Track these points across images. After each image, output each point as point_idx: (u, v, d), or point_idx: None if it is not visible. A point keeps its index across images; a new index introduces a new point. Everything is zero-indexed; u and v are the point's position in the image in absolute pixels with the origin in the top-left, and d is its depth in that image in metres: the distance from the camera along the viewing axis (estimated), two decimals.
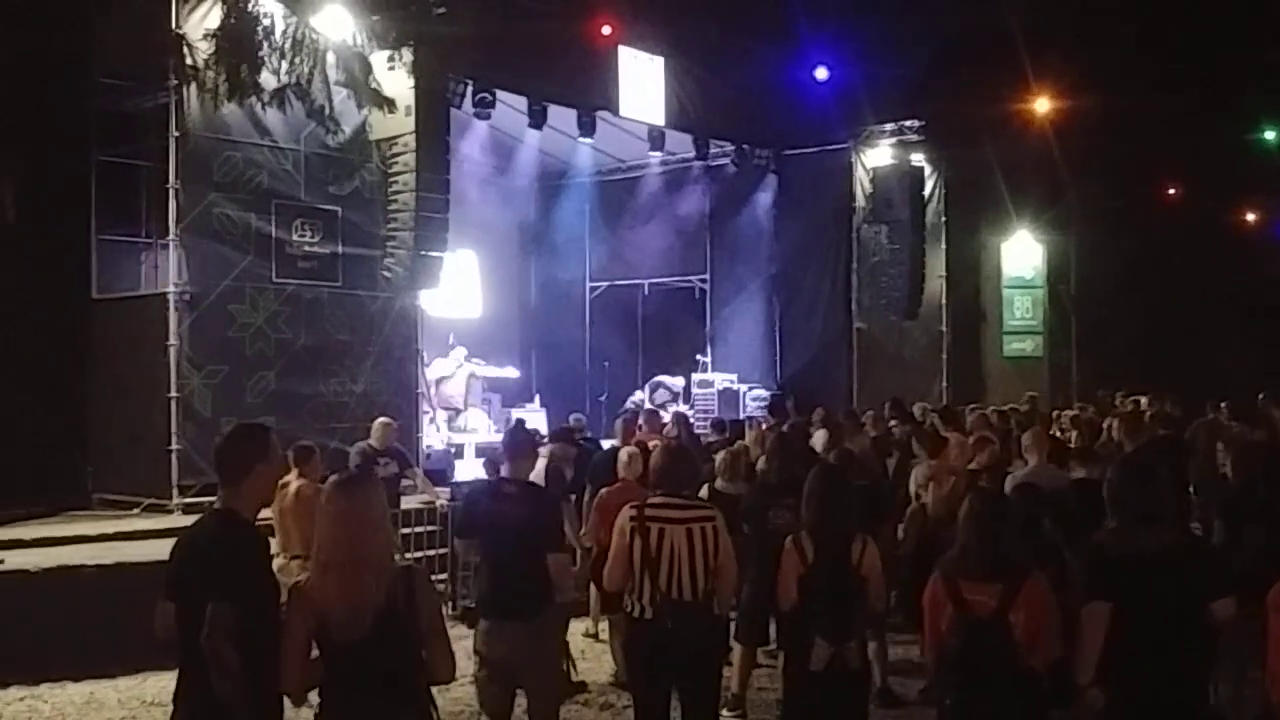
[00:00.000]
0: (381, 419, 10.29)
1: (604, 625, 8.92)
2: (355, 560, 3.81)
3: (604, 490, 7.91)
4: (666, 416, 12.33)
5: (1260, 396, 13.51)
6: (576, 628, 8.27)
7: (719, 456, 8.22)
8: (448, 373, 15.74)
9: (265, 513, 4.31)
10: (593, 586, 8.35)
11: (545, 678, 5.56)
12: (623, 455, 8.15)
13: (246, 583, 3.78)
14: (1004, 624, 4.45)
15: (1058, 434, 11.06)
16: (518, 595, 5.39)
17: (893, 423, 11.42)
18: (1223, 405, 12.83)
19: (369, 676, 3.80)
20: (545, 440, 9.90)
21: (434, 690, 3.98)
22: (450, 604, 9.90)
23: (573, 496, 8.79)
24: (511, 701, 5.60)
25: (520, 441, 6.09)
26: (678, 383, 17.76)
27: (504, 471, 5.92)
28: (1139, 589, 4.20)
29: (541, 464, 8.18)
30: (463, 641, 7.17)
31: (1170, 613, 4.18)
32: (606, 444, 10.64)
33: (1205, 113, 20.52)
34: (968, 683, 4.51)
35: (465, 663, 7.36)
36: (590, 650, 8.87)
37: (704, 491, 7.45)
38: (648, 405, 16.21)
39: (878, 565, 5.35)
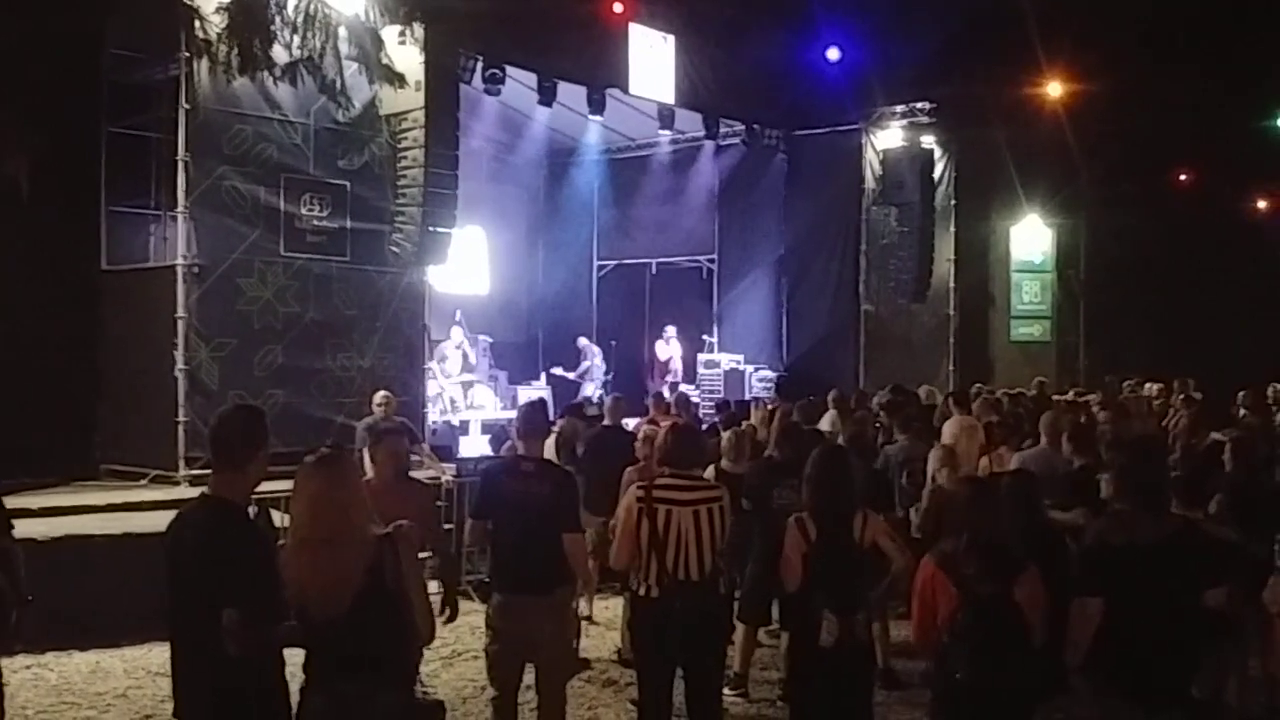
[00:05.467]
0: (381, 392, 10.31)
1: (599, 605, 8.99)
2: (333, 539, 3.77)
3: (628, 470, 7.92)
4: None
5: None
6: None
7: (724, 436, 8.19)
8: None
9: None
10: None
11: (559, 652, 5.64)
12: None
13: (252, 582, 3.72)
14: (1008, 601, 4.47)
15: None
16: (535, 571, 5.42)
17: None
18: (1240, 395, 12.73)
19: (348, 655, 3.77)
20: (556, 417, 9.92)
21: (435, 664, 3.97)
22: None
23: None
24: (521, 675, 5.63)
25: (536, 419, 6.09)
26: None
27: (520, 449, 5.93)
28: (1134, 580, 4.18)
29: (551, 439, 8.19)
30: (467, 617, 7.23)
31: (1164, 603, 4.17)
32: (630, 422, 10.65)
33: (1219, 98, 20.33)
34: (976, 659, 4.50)
35: (471, 638, 7.46)
36: (587, 629, 8.89)
37: (709, 472, 7.45)
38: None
39: (883, 530, 5.36)
